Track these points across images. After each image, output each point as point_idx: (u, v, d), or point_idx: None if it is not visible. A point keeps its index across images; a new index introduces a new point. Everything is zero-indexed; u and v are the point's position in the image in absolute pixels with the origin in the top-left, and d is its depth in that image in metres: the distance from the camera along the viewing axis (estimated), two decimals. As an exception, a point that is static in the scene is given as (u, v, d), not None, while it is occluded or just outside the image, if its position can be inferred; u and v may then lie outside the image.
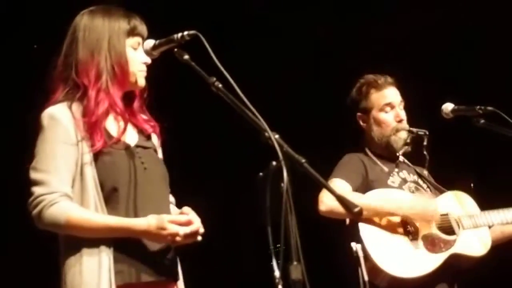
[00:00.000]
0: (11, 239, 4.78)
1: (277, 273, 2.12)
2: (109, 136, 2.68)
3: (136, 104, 2.81)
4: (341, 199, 2.29)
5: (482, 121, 3.54)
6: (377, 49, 5.38)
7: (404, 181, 3.77)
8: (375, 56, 5.25)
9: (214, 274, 5.43)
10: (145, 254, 2.61)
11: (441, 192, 3.83)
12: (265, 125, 2.26)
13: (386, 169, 3.77)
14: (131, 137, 2.77)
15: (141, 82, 2.76)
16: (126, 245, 2.59)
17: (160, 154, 2.86)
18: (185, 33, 2.52)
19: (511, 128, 3.42)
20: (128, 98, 2.80)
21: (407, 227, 3.59)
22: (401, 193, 3.69)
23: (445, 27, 5.53)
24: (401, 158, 3.89)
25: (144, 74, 2.76)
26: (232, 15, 5.46)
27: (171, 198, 2.89)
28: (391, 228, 3.56)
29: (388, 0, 5.42)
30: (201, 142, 5.11)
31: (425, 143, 3.73)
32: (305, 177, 2.26)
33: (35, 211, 2.57)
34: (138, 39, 2.75)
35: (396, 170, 3.80)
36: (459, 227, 3.64)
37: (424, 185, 3.84)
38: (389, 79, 3.85)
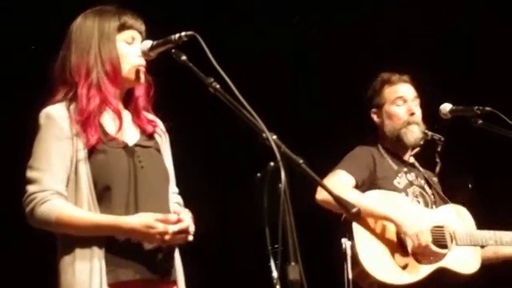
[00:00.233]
0: (9, 238, 4.78)
1: (275, 273, 2.12)
2: (105, 133, 2.69)
3: (141, 103, 2.81)
4: (338, 199, 2.30)
5: (480, 121, 3.54)
6: (376, 49, 5.38)
7: (410, 184, 3.75)
8: (375, 56, 5.26)
9: (212, 275, 5.43)
10: (137, 253, 2.61)
11: (445, 202, 3.80)
12: (262, 126, 2.26)
13: (395, 167, 3.75)
14: (131, 135, 2.77)
15: (136, 77, 2.75)
16: (118, 244, 2.59)
17: (165, 154, 2.85)
18: (183, 33, 2.52)
19: (509, 128, 3.42)
20: (133, 96, 2.81)
21: (400, 234, 3.56)
22: (400, 199, 3.66)
23: (444, 27, 5.54)
24: (412, 160, 3.87)
25: (143, 69, 2.75)
26: (231, 15, 5.46)
27: (179, 199, 2.88)
28: (384, 231, 3.54)
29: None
30: (199, 142, 5.12)
31: (438, 149, 3.72)
32: (303, 178, 2.26)
33: (27, 209, 2.60)
34: (131, 33, 2.76)
35: (405, 170, 3.78)
36: (452, 242, 3.61)
37: (430, 191, 3.81)
38: (404, 77, 3.85)
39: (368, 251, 3.48)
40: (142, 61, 2.74)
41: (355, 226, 3.51)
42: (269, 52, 5.51)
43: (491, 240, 3.66)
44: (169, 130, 2.90)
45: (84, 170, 2.61)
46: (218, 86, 2.41)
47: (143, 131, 2.80)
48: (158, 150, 2.82)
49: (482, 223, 3.77)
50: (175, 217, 2.62)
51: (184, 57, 2.52)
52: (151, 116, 2.86)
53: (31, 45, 4.95)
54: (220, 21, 5.35)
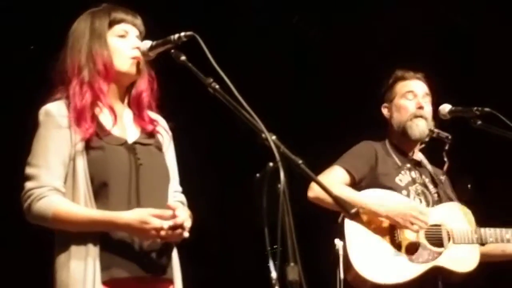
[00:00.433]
0: (7, 236, 4.79)
1: (274, 274, 2.12)
2: (103, 128, 2.70)
3: (144, 99, 2.82)
4: (337, 200, 2.30)
5: (479, 122, 3.53)
6: (376, 49, 5.38)
7: (413, 181, 3.74)
8: (374, 56, 5.26)
9: (211, 275, 5.43)
10: (132, 250, 2.61)
11: (451, 201, 3.78)
12: (262, 126, 2.26)
13: (399, 162, 3.74)
14: (132, 133, 2.77)
15: (132, 69, 2.75)
16: (113, 242, 2.60)
17: (168, 153, 2.85)
18: (182, 34, 2.53)
19: (508, 129, 3.42)
20: (136, 93, 2.82)
21: (394, 233, 3.56)
22: (398, 197, 3.65)
23: (444, 28, 5.54)
24: (419, 157, 3.85)
25: (135, 61, 2.74)
26: (230, 15, 5.46)
27: (182, 198, 2.87)
28: (377, 230, 3.54)
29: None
30: (198, 142, 5.12)
31: (446, 147, 3.71)
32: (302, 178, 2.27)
33: (25, 205, 2.62)
34: (123, 26, 2.77)
35: (408, 166, 3.76)
36: (449, 240, 3.60)
37: (434, 190, 3.79)
38: (418, 74, 3.86)
39: (359, 251, 3.48)
40: (136, 53, 2.74)
41: (347, 226, 3.51)
42: (268, 52, 5.51)
43: (491, 238, 3.65)
44: (172, 129, 2.91)
45: (82, 166, 2.62)
46: (217, 86, 2.41)
47: (143, 130, 2.80)
48: (159, 149, 2.82)
49: (482, 223, 3.76)
50: (169, 212, 2.61)
51: (183, 58, 2.52)
52: (154, 115, 2.87)
53: (30, 45, 4.95)
54: (219, 21, 5.35)
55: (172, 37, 2.56)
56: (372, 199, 3.56)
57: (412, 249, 3.55)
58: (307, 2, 5.47)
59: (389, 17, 5.40)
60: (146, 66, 2.82)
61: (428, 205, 3.73)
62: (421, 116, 3.75)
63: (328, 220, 3.64)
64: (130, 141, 2.74)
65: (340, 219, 3.58)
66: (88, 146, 2.65)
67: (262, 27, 5.48)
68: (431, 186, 3.80)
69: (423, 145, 3.82)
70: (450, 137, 3.71)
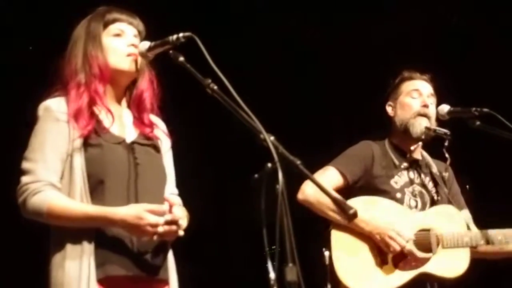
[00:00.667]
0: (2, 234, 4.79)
1: (272, 275, 2.12)
2: (101, 126, 2.70)
3: (146, 100, 2.82)
4: (336, 201, 2.30)
5: (478, 122, 3.52)
6: (376, 50, 5.38)
7: (411, 182, 3.73)
8: (374, 57, 5.26)
9: (209, 276, 5.43)
10: (127, 249, 2.61)
11: (450, 203, 3.75)
12: (260, 127, 2.26)
13: (397, 162, 3.73)
14: (130, 133, 2.78)
15: (129, 66, 2.75)
16: (107, 239, 2.59)
17: (165, 156, 2.85)
18: (180, 35, 2.53)
19: (507, 129, 3.41)
20: (136, 93, 2.82)
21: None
22: (382, 210, 3.61)
23: (443, 29, 5.54)
24: (420, 156, 3.82)
25: (132, 57, 2.74)
26: (229, 15, 5.46)
27: (178, 200, 2.87)
28: (362, 239, 3.53)
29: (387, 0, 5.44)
30: (196, 142, 5.12)
31: (446, 144, 3.69)
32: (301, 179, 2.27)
33: (20, 199, 2.62)
34: (118, 26, 2.79)
35: (406, 166, 3.74)
36: (438, 245, 3.57)
37: (434, 189, 3.77)
38: (424, 76, 3.86)
39: (344, 260, 3.47)
40: (132, 50, 2.74)
41: (333, 234, 3.51)
42: (266, 53, 5.50)
43: (482, 240, 3.62)
44: (171, 133, 2.91)
45: (79, 163, 2.62)
46: (215, 87, 2.41)
47: (142, 132, 2.81)
48: (157, 150, 2.82)
49: (479, 224, 3.75)
50: (166, 207, 2.61)
51: (181, 58, 2.52)
52: (155, 118, 2.87)
53: (29, 46, 4.95)
54: (218, 22, 5.35)
55: (170, 38, 2.56)
56: (359, 211, 3.48)
57: (399, 256, 3.53)
58: (307, 2, 5.47)
59: (389, 18, 5.40)
60: (146, 67, 2.82)
61: (424, 206, 3.72)
62: (425, 115, 3.73)
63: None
64: (129, 140, 2.74)
65: (331, 228, 3.57)
66: (86, 143, 2.65)
67: (261, 28, 5.48)
68: (430, 186, 3.79)
69: (419, 143, 3.78)
70: (449, 133, 3.69)
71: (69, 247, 2.58)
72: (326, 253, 3.44)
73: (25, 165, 2.64)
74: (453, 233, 3.61)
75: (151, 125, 2.84)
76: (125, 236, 2.61)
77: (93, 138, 2.66)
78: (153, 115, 2.87)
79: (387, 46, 5.33)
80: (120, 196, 2.63)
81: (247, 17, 5.47)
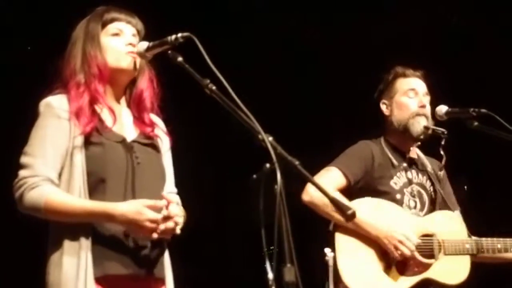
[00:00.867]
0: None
1: (270, 275, 2.12)
2: (103, 124, 2.71)
3: (146, 99, 2.82)
4: (334, 201, 2.30)
5: (476, 123, 3.52)
6: (375, 50, 5.38)
7: (409, 182, 3.71)
8: (373, 57, 5.26)
9: (207, 276, 5.43)
10: (124, 247, 2.61)
11: (445, 202, 3.75)
12: (258, 127, 2.26)
13: (395, 162, 3.71)
14: (130, 132, 2.78)
15: (128, 65, 2.75)
16: (105, 237, 2.59)
17: (165, 155, 2.85)
18: (179, 35, 2.53)
19: (505, 130, 3.41)
20: (136, 92, 2.83)
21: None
22: (390, 209, 3.60)
23: (443, 29, 5.55)
24: (416, 155, 3.82)
25: (131, 56, 2.74)
26: (228, 15, 5.46)
27: (177, 200, 2.86)
28: (367, 243, 3.51)
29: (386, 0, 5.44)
30: (195, 143, 5.12)
31: (442, 142, 3.67)
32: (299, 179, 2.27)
33: (17, 194, 2.61)
34: (116, 25, 2.79)
35: (404, 166, 3.73)
36: (440, 251, 3.57)
37: (431, 188, 3.77)
38: (417, 72, 3.83)
39: (349, 263, 3.46)
40: (131, 48, 2.74)
41: (338, 236, 3.49)
42: (265, 53, 5.51)
43: (483, 248, 3.63)
44: (170, 133, 2.91)
45: (79, 160, 2.62)
46: (214, 87, 2.41)
47: (142, 132, 2.81)
48: (157, 149, 2.82)
49: (477, 224, 3.76)
50: (163, 202, 2.61)
51: (180, 59, 2.52)
52: (155, 118, 2.87)
53: (27, 46, 4.95)
54: (217, 21, 5.35)
55: (169, 38, 2.56)
56: (365, 215, 3.51)
57: (401, 262, 3.52)
58: (307, 2, 5.47)
59: (389, 18, 5.41)
60: (146, 66, 2.82)
61: (423, 206, 3.72)
62: (423, 115, 3.72)
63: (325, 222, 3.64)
64: (129, 139, 2.75)
65: (331, 227, 3.56)
66: (88, 141, 2.65)
67: (260, 28, 5.48)
68: (428, 185, 3.78)
69: (418, 143, 3.77)
70: (445, 132, 3.68)
71: (67, 244, 2.57)
72: (330, 254, 3.40)
73: (23, 159, 2.64)
74: (454, 239, 3.62)
75: (152, 124, 2.84)
76: (122, 233, 2.61)
77: (95, 136, 2.66)
78: (153, 114, 2.87)
79: (387, 46, 5.33)
80: (119, 195, 2.63)
81: (246, 16, 5.47)
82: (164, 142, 2.87)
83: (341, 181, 3.60)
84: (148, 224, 2.54)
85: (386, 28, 5.41)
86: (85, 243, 2.57)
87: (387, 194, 3.64)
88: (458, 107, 3.64)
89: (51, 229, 2.66)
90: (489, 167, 5.36)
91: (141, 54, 2.72)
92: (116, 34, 2.78)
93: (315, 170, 3.58)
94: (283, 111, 5.58)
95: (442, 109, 3.69)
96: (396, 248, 3.48)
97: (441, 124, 3.71)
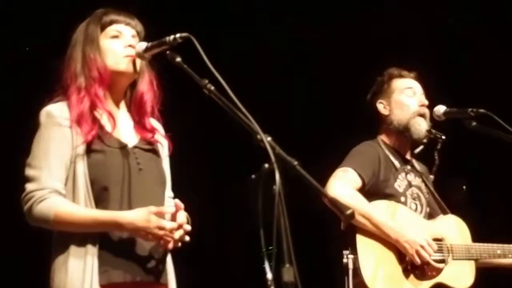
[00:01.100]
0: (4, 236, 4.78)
1: (269, 275, 2.12)
2: (104, 131, 2.70)
3: (145, 103, 2.82)
4: (333, 201, 2.30)
5: (474, 123, 3.51)
6: (373, 50, 5.38)
7: (409, 185, 3.70)
8: (372, 57, 5.26)
9: (206, 277, 5.42)
10: (131, 254, 2.61)
11: (438, 203, 3.76)
12: (257, 127, 2.26)
13: (397, 165, 3.69)
14: (131, 138, 2.78)
15: (127, 67, 2.74)
16: (112, 244, 2.60)
17: (164, 160, 2.85)
18: (177, 35, 2.52)
19: (503, 130, 3.41)
20: (136, 95, 2.82)
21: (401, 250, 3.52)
22: (404, 212, 3.60)
23: (441, 30, 5.55)
24: (410, 157, 3.80)
25: (130, 59, 2.73)
26: (227, 16, 5.46)
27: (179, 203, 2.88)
28: (388, 245, 3.48)
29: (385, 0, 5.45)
30: (193, 144, 5.11)
31: (438, 146, 3.68)
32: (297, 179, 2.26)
33: (25, 207, 2.62)
34: (115, 27, 2.78)
35: (405, 168, 3.72)
36: (449, 255, 3.58)
37: (425, 190, 3.77)
38: (412, 74, 3.82)
39: (369, 266, 3.42)
40: (130, 51, 2.73)
41: (359, 238, 3.45)
42: (263, 53, 5.51)
43: (485, 254, 3.65)
44: (170, 138, 2.91)
45: (82, 169, 2.62)
46: (212, 88, 2.41)
47: (143, 137, 2.81)
48: (157, 154, 2.82)
49: (475, 225, 3.76)
50: (169, 209, 2.63)
51: (178, 59, 2.52)
52: (155, 123, 2.87)
53: (26, 47, 4.95)
54: (217, 22, 5.35)
55: (167, 38, 2.56)
56: (385, 218, 3.49)
57: (415, 265, 3.51)
58: (307, 2, 5.47)
59: (389, 18, 5.41)
60: (146, 68, 2.82)
61: (422, 209, 3.72)
62: (424, 115, 3.70)
63: (321, 221, 3.63)
64: (130, 145, 2.75)
65: (343, 227, 3.51)
66: (89, 149, 2.65)
67: (258, 28, 5.49)
68: (423, 187, 3.78)
69: (421, 147, 3.77)
70: (444, 137, 3.68)
71: (73, 249, 2.58)
72: (349, 256, 3.39)
73: (29, 172, 2.64)
74: (461, 244, 3.64)
75: (152, 130, 2.83)
76: (129, 239, 2.62)
77: (96, 143, 2.66)
78: (153, 118, 2.87)
79: (387, 46, 5.33)
80: (122, 202, 2.63)
81: (246, 17, 5.47)
82: (164, 147, 2.87)
83: (358, 182, 3.55)
84: (156, 231, 2.56)
85: (386, 28, 5.41)
86: (92, 250, 2.57)
87: (393, 197, 3.62)
88: (456, 107, 3.64)
89: (56, 235, 2.66)
90: (487, 168, 5.36)
91: (139, 55, 2.71)
92: (116, 37, 2.77)
93: (314, 170, 3.57)
94: (282, 111, 5.58)
95: (440, 109, 3.68)
96: (418, 253, 3.46)
97: (440, 124, 3.72)
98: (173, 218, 2.65)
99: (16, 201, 2.66)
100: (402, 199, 3.65)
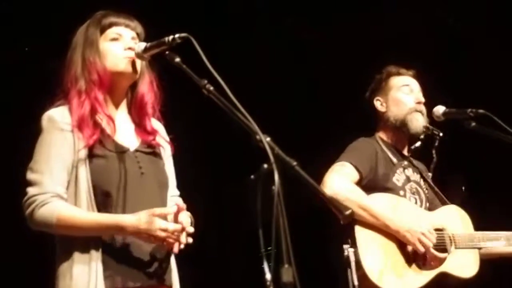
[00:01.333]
0: (8, 241, 4.77)
1: (268, 276, 2.11)
2: (106, 136, 2.70)
3: (146, 104, 2.82)
4: (332, 201, 2.30)
5: (473, 124, 3.52)
6: (373, 50, 5.38)
7: (408, 179, 3.72)
8: (371, 57, 5.25)
9: (206, 278, 5.42)
10: (134, 258, 2.62)
11: (439, 197, 3.78)
12: (256, 128, 2.26)
13: (395, 160, 3.71)
14: (132, 141, 2.78)
15: (126, 68, 2.74)
16: (115, 249, 2.60)
17: (166, 161, 2.86)
18: (176, 35, 2.53)
19: (502, 131, 3.42)
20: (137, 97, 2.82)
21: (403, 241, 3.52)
22: (404, 203, 3.61)
23: (440, 30, 5.55)
24: (407, 153, 3.83)
25: (130, 60, 2.73)
26: (226, 16, 5.46)
27: (179, 202, 2.88)
28: (387, 236, 3.49)
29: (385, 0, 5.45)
30: (193, 144, 5.11)
31: (436, 143, 3.69)
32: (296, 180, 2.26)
33: (27, 211, 2.62)
34: (114, 30, 2.78)
35: (402, 163, 3.73)
36: (451, 245, 3.59)
37: (424, 186, 3.78)
38: (410, 72, 3.85)
39: (371, 257, 3.42)
40: (130, 53, 2.73)
41: (357, 230, 3.45)
42: (262, 53, 5.51)
43: (489, 242, 3.66)
44: (172, 140, 2.91)
45: (84, 174, 2.63)
46: (212, 88, 2.41)
47: (144, 140, 2.81)
48: (159, 156, 2.82)
49: (474, 224, 3.77)
50: (171, 210, 2.63)
51: (177, 59, 2.52)
52: (156, 124, 2.86)
53: (26, 47, 4.95)
54: (216, 23, 5.35)
55: (166, 38, 2.56)
56: (384, 209, 3.50)
57: (417, 256, 3.52)
58: (307, 2, 5.47)
59: (388, 18, 5.41)
60: (147, 69, 2.82)
61: (421, 203, 3.73)
62: (420, 111, 3.73)
63: (320, 221, 3.63)
64: (132, 149, 2.75)
65: (353, 224, 3.49)
66: (91, 154, 2.65)
67: (258, 28, 5.49)
68: (422, 183, 3.80)
69: (419, 143, 3.78)
70: (441, 134, 3.70)
71: (77, 255, 2.58)
72: (350, 250, 3.39)
73: (31, 176, 2.65)
74: (464, 233, 3.64)
75: (153, 132, 2.83)
76: (131, 243, 2.62)
77: (98, 148, 2.67)
78: (154, 119, 2.87)
79: (386, 46, 5.33)
80: (125, 206, 2.64)
81: (246, 17, 5.47)
82: (166, 149, 2.88)
83: (355, 175, 3.57)
84: (159, 233, 2.56)
85: (386, 28, 5.41)
86: (95, 255, 2.58)
87: (392, 191, 3.64)
88: (456, 107, 3.65)
89: (59, 241, 2.67)
90: (486, 167, 5.36)
91: (139, 55, 2.71)
92: (115, 39, 2.77)
93: (314, 170, 3.57)
94: (282, 111, 5.58)
95: (440, 109, 3.70)
96: (420, 241, 3.46)
97: (439, 124, 3.73)
98: (175, 218, 2.65)
99: (18, 204, 2.67)
100: (401, 193, 3.66)
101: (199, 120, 5.28)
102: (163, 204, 2.75)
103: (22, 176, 2.69)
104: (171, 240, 2.59)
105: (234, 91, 2.33)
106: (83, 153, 2.64)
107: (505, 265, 3.90)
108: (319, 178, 3.58)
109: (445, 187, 3.90)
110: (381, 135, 3.81)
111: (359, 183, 3.57)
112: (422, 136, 3.74)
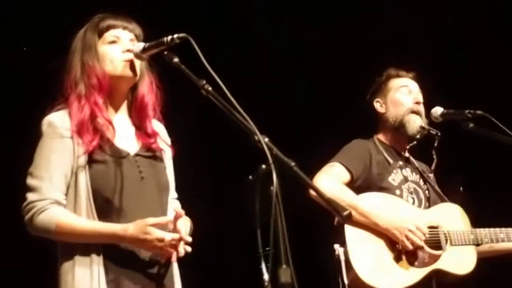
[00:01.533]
0: (9, 243, 4.77)
1: (266, 276, 2.11)
2: (105, 141, 2.70)
3: (147, 105, 2.81)
4: (330, 202, 2.30)
5: (471, 125, 3.52)
6: (373, 50, 5.38)
7: (405, 179, 3.73)
8: (371, 57, 5.26)
9: (206, 279, 5.42)
10: (135, 262, 2.62)
11: (441, 198, 3.79)
12: (254, 128, 2.26)
13: (391, 161, 3.73)
14: (132, 145, 2.77)
15: (125, 71, 2.73)
16: (116, 253, 2.60)
17: (167, 164, 2.85)
18: (175, 36, 2.51)
19: (500, 132, 3.42)
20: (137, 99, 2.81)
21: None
22: (396, 202, 3.62)
23: (439, 30, 5.55)
24: (407, 154, 3.84)
25: (128, 63, 2.73)
26: (225, 17, 5.46)
27: (177, 205, 2.87)
28: (377, 234, 3.50)
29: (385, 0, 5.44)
30: (193, 145, 5.11)
31: (435, 144, 3.70)
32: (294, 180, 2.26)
33: (26, 217, 2.63)
34: (112, 33, 2.77)
35: (400, 164, 3.75)
36: (446, 242, 3.59)
37: (424, 187, 3.79)
38: (410, 74, 3.88)
39: (361, 256, 3.44)
40: (128, 56, 2.72)
41: (347, 230, 3.47)
42: (261, 54, 5.50)
43: (486, 238, 3.66)
44: (172, 142, 2.91)
45: (84, 180, 2.63)
46: (210, 88, 2.40)
47: (145, 144, 2.80)
48: (160, 159, 2.82)
49: (473, 223, 3.77)
50: (167, 219, 2.63)
51: (176, 59, 2.51)
52: (157, 125, 2.86)
53: (24, 47, 4.95)
54: (215, 23, 5.35)
55: (165, 38, 2.55)
56: (373, 208, 3.52)
57: (410, 254, 3.53)
58: (306, 2, 5.47)
59: (388, 19, 5.41)
60: (146, 70, 2.81)
61: (420, 203, 3.73)
62: (418, 112, 3.75)
63: (319, 222, 3.63)
64: (132, 153, 2.74)
65: (336, 222, 3.54)
66: (91, 159, 2.65)
67: (258, 28, 5.48)
68: (422, 183, 3.80)
69: (414, 143, 3.79)
70: (439, 133, 3.71)
71: (78, 259, 2.59)
72: (340, 249, 3.41)
73: (30, 181, 2.65)
74: (459, 231, 3.64)
75: (154, 135, 2.82)
76: (132, 248, 2.62)
77: (98, 153, 2.66)
78: (155, 120, 2.86)
79: (386, 46, 5.33)
80: (126, 212, 2.64)
81: (246, 17, 5.47)
82: (167, 152, 2.87)
83: (345, 175, 3.60)
84: (156, 243, 2.56)
85: (386, 28, 5.41)
86: (97, 259, 2.58)
87: (387, 190, 3.66)
88: (453, 109, 3.65)
89: (61, 245, 2.67)
90: (485, 168, 5.36)
91: (137, 55, 2.70)
92: (113, 42, 2.76)
93: (314, 170, 3.58)
94: (282, 111, 5.58)
95: (438, 110, 3.71)
96: (408, 238, 3.47)
97: (438, 125, 3.73)
98: (174, 225, 2.64)
99: (18, 208, 2.67)
100: (397, 192, 3.68)
101: (199, 121, 5.28)
102: (163, 208, 2.74)
103: (22, 176, 2.69)
104: (168, 249, 2.59)
105: (233, 91, 2.33)
106: (83, 159, 2.63)
107: (503, 263, 3.89)
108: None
109: (443, 188, 3.90)
110: (380, 136, 3.84)
111: (351, 183, 3.60)
112: (418, 136, 3.75)
